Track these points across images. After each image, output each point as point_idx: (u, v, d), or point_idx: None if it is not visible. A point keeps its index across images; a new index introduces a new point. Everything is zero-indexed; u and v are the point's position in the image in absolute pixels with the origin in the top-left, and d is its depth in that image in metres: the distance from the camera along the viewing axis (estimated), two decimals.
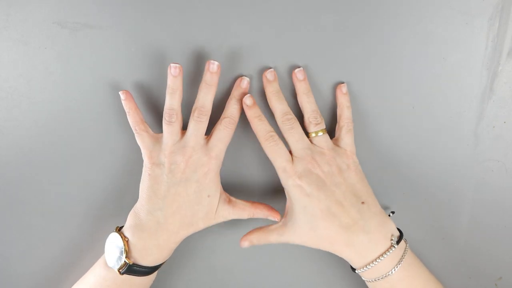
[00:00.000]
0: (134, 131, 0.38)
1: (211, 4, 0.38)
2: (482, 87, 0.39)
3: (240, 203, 0.40)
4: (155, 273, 0.40)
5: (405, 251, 0.36)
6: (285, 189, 0.38)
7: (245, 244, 0.40)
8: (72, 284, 0.40)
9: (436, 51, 0.39)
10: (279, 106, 0.38)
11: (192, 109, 0.37)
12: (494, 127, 0.40)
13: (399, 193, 0.43)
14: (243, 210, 0.40)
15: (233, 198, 0.40)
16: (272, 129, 0.37)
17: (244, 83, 0.38)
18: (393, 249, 0.35)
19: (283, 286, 0.46)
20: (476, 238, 0.43)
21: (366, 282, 0.39)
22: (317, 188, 0.36)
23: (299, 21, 0.38)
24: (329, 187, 0.36)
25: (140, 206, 0.38)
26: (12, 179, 0.42)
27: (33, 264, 0.44)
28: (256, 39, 0.39)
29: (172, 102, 0.37)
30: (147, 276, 0.38)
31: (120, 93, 0.38)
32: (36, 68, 0.39)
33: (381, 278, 0.36)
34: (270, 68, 0.39)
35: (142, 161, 0.38)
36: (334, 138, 0.39)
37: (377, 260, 0.36)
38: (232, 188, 0.43)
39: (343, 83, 0.39)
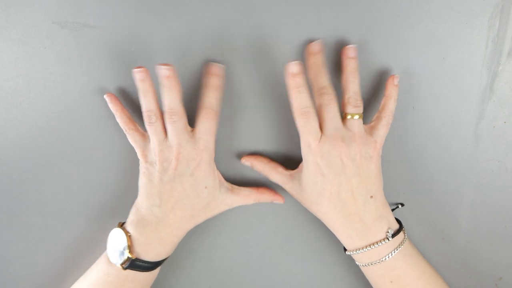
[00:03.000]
0: (124, 131, 0.38)
1: (211, 4, 0.38)
2: (482, 87, 0.39)
3: (244, 190, 0.40)
4: (158, 269, 0.40)
5: (403, 240, 0.37)
6: (303, 157, 0.37)
7: (246, 163, 0.40)
8: (74, 282, 0.40)
9: (436, 51, 0.38)
10: (319, 79, 0.35)
11: (164, 112, 0.36)
12: (494, 127, 0.40)
13: (399, 193, 0.43)
14: (248, 197, 0.40)
15: (236, 187, 0.40)
16: (310, 104, 0.35)
17: (215, 70, 0.37)
18: (387, 241, 0.36)
19: (283, 286, 0.46)
20: (476, 238, 0.43)
21: (360, 267, 0.39)
22: (335, 173, 0.35)
23: (298, 20, 0.38)
24: (346, 175, 0.35)
25: (140, 202, 0.38)
26: (12, 179, 0.42)
27: (33, 263, 0.44)
28: (256, 40, 0.39)
29: (147, 104, 0.36)
30: (150, 272, 0.39)
31: (105, 96, 0.39)
32: (36, 68, 0.39)
33: (375, 263, 0.36)
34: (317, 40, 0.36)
35: None
36: (368, 125, 0.38)
37: (368, 247, 0.36)
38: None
39: (395, 74, 0.38)
